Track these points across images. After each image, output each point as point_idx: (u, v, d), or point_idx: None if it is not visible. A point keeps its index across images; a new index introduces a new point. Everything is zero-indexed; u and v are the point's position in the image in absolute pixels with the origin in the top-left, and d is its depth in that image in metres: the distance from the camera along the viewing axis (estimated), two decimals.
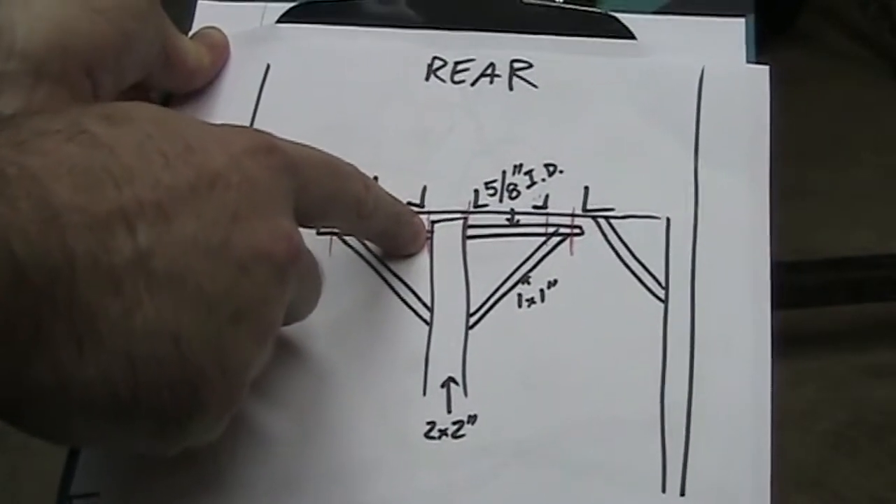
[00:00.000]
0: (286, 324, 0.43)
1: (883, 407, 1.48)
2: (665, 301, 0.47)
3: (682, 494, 0.44)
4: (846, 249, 1.59)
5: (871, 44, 1.95)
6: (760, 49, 0.52)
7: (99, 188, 0.35)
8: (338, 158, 0.44)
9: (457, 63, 0.53)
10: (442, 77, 0.53)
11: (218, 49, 0.53)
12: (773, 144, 0.50)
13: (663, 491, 0.44)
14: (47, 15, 0.45)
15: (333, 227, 0.48)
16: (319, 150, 0.43)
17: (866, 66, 1.92)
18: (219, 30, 0.54)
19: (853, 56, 1.94)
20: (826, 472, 1.41)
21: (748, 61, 0.52)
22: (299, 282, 0.41)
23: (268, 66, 0.53)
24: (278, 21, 0.55)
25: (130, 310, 0.35)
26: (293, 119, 0.51)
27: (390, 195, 0.47)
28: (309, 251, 0.42)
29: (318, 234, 0.49)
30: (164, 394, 0.37)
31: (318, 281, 0.44)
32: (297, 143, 0.42)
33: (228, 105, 0.52)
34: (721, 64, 0.52)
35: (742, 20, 0.53)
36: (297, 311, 0.44)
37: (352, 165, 0.45)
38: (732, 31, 0.53)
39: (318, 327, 0.47)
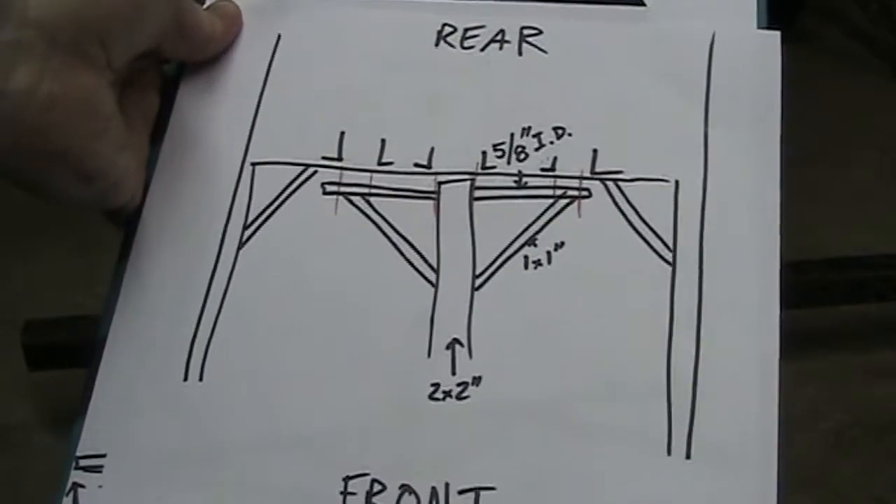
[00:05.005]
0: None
1: (883, 407, 1.48)
2: (673, 264, 0.47)
3: (688, 457, 0.43)
4: (846, 249, 1.59)
5: (871, 44, 1.95)
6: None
7: None
8: None
9: (467, 30, 0.53)
10: (451, 43, 0.53)
11: (231, 19, 0.54)
12: (787, 108, 0.49)
13: (668, 453, 0.44)
14: None
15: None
16: None
17: (866, 66, 1.92)
18: (232, 1, 0.55)
19: (853, 56, 1.94)
20: (826, 471, 1.41)
21: (759, 27, 0.52)
22: None
23: (279, 36, 0.54)
24: None
25: None
26: (302, 85, 0.52)
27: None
28: None
29: (325, 193, 0.49)
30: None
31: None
32: None
33: (240, 74, 0.53)
34: (732, 29, 0.52)
35: None
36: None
37: None
38: None
39: (322, 288, 0.47)
